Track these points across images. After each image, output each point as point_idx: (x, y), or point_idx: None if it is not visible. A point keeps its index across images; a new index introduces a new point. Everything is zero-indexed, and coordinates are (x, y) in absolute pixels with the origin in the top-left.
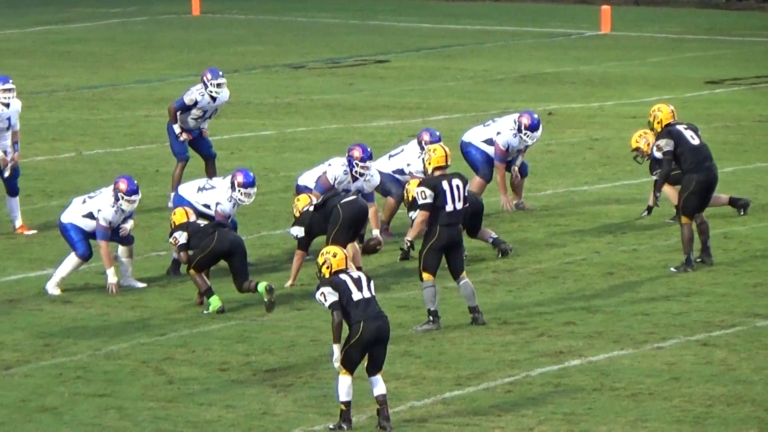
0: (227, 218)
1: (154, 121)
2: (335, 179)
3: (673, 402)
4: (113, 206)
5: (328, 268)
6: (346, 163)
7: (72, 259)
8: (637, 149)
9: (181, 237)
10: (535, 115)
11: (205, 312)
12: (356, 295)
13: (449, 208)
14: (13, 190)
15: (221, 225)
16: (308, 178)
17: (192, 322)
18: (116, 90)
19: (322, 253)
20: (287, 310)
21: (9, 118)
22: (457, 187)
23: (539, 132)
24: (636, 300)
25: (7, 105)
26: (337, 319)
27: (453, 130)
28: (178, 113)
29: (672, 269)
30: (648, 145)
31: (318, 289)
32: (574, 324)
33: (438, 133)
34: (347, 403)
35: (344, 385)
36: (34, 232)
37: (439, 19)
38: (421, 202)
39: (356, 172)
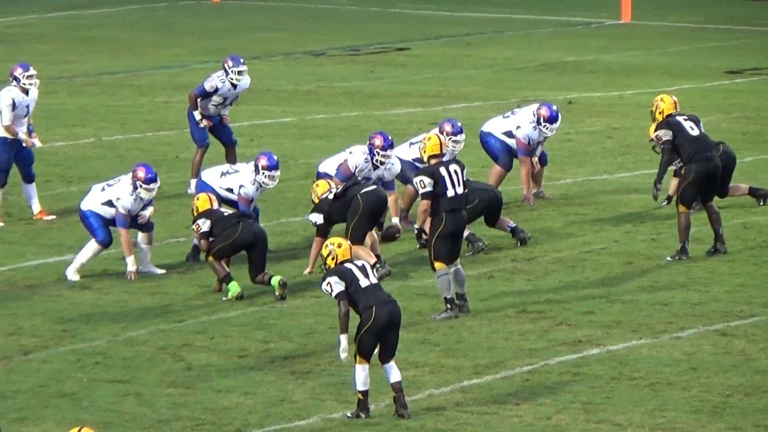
0: (250, 202)
1: (174, 108)
2: (356, 167)
3: (692, 392)
4: (132, 194)
5: (333, 259)
6: (367, 152)
7: (92, 246)
8: (654, 139)
9: (204, 224)
10: (554, 107)
11: (224, 298)
12: (364, 282)
13: (450, 193)
14: (28, 177)
15: (246, 216)
16: (329, 165)
17: (211, 309)
18: (136, 76)
19: (327, 245)
20: (306, 297)
21: (28, 106)
22: (455, 172)
23: (558, 123)
24: (655, 289)
25: (27, 92)
26: (344, 309)
27: (473, 118)
28: (199, 100)
29: (668, 258)
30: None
31: (324, 279)
32: (592, 313)
33: (459, 124)
34: (365, 392)
35: (361, 374)
36: (53, 217)
37: (459, 7)
38: (421, 191)
39: (377, 160)
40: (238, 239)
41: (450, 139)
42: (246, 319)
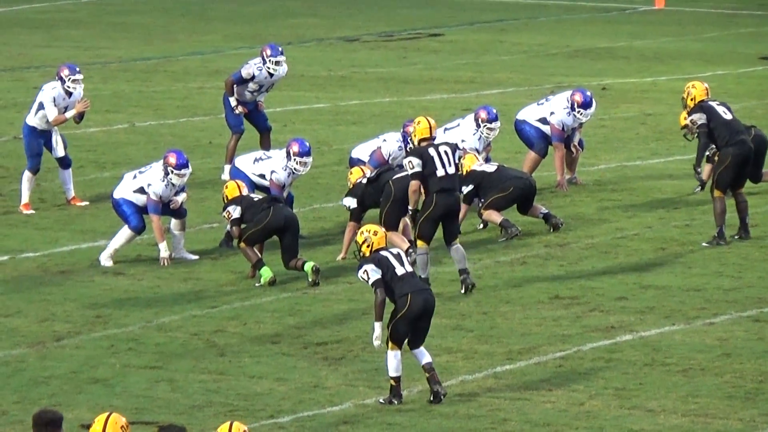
0: (282, 188)
1: (208, 94)
2: (389, 155)
3: (725, 378)
4: (163, 180)
5: (368, 246)
6: (401, 139)
7: (125, 232)
8: (686, 126)
9: (235, 211)
10: (588, 93)
11: (257, 284)
12: (399, 270)
13: (440, 173)
14: (65, 163)
15: (277, 200)
16: (362, 151)
17: (243, 295)
18: (170, 62)
19: (362, 232)
20: (339, 284)
21: (67, 107)
22: (446, 152)
23: (593, 108)
24: (688, 275)
25: (70, 94)
26: (381, 296)
27: (506, 104)
28: (235, 86)
29: (704, 244)
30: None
31: (360, 267)
32: (625, 299)
33: (495, 111)
34: (397, 378)
35: (393, 360)
36: (87, 203)
37: None
38: (410, 172)
39: (411, 147)
40: (269, 223)
41: (485, 126)
42: (279, 305)
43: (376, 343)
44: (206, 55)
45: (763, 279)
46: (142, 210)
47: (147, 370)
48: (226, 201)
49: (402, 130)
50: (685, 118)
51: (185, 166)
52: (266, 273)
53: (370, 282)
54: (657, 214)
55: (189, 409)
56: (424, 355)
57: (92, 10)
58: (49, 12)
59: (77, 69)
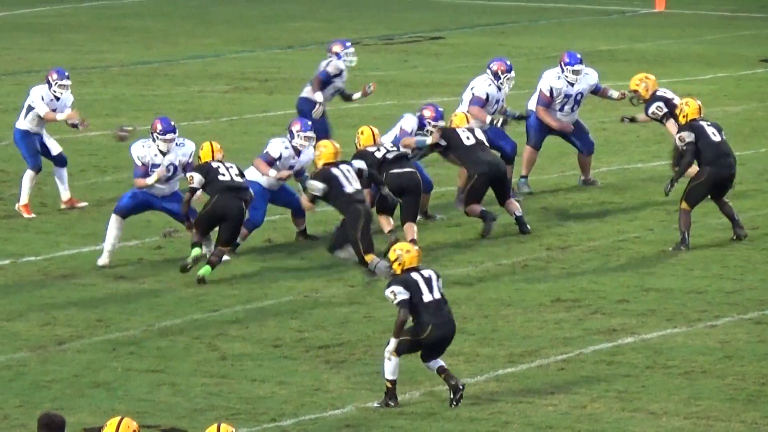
0: (270, 163)
1: (208, 97)
2: (412, 130)
3: (726, 380)
4: (145, 146)
5: (400, 264)
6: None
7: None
8: (635, 92)
9: (195, 179)
10: (577, 54)
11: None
12: (427, 297)
13: (349, 189)
14: (61, 160)
15: (231, 188)
16: (386, 141)
17: (245, 298)
18: (170, 65)
19: (395, 249)
20: (341, 287)
21: (55, 109)
22: (348, 170)
23: (581, 65)
24: (689, 278)
25: (57, 98)
26: (403, 317)
27: (507, 107)
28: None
29: (670, 249)
30: (647, 90)
31: (389, 286)
32: (627, 302)
33: (509, 62)
34: (394, 381)
35: (391, 364)
36: (85, 204)
37: None
38: (316, 195)
39: (428, 131)
40: (211, 210)
41: (505, 77)
42: (281, 309)
43: (388, 355)
44: (207, 59)
45: (764, 281)
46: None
47: (149, 374)
48: (198, 161)
49: (418, 114)
50: (637, 84)
51: (171, 131)
52: (195, 252)
53: (396, 302)
54: (658, 216)
55: (191, 412)
56: (437, 362)
57: (93, 14)
58: (49, 16)
59: (66, 74)
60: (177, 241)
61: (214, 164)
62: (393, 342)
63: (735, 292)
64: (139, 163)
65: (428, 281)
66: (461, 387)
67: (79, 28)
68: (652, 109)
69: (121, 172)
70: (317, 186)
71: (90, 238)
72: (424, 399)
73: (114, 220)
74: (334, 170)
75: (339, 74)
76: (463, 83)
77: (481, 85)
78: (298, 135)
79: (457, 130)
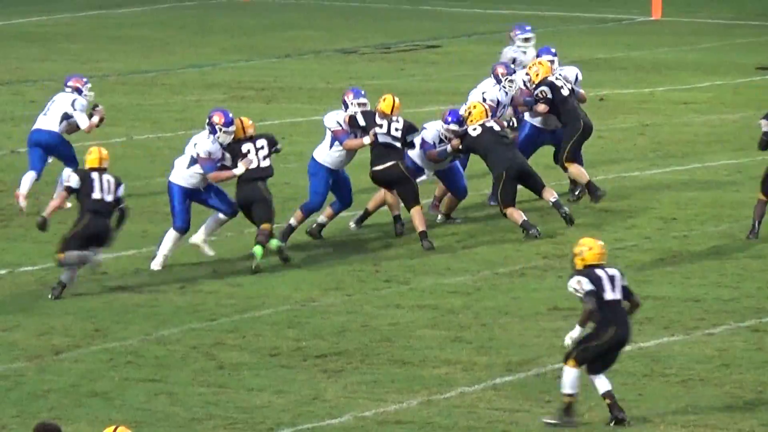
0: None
1: (205, 106)
2: (433, 141)
3: (724, 388)
4: (209, 138)
5: (582, 260)
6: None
7: (171, 234)
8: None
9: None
10: (511, 66)
11: None
12: (608, 295)
13: (96, 195)
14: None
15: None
16: (431, 129)
17: (242, 307)
18: (167, 75)
19: (579, 244)
20: (338, 296)
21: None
22: (108, 181)
23: (516, 75)
24: (686, 286)
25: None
26: (592, 306)
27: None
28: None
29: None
30: (537, 75)
31: (572, 277)
32: None
33: (512, 66)
34: (573, 396)
35: (572, 377)
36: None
37: (490, 4)
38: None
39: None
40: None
41: (506, 79)
42: (278, 318)
43: (568, 341)
44: (204, 68)
45: (761, 289)
46: (192, 197)
47: (146, 383)
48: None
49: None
50: (529, 68)
51: (232, 123)
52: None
53: (583, 292)
54: (655, 225)
55: (188, 422)
56: (604, 383)
57: (90, 23)
58: (46, 25)
59: (85, 78)
60: (174, 251)
61: (244, 148)
62: (578, 330)
63: (732, 300)
64: (205, 157)
65: (611, 279)
66: (625, 423)
67: (77, 37)
68: (537, 91)
69: None
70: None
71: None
72: (421, 408)
73: (175, 237)
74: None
75: (513, 63)
76: (460, 91)
77: (491, 90)
78: (352, 104)
79: (471, 131)
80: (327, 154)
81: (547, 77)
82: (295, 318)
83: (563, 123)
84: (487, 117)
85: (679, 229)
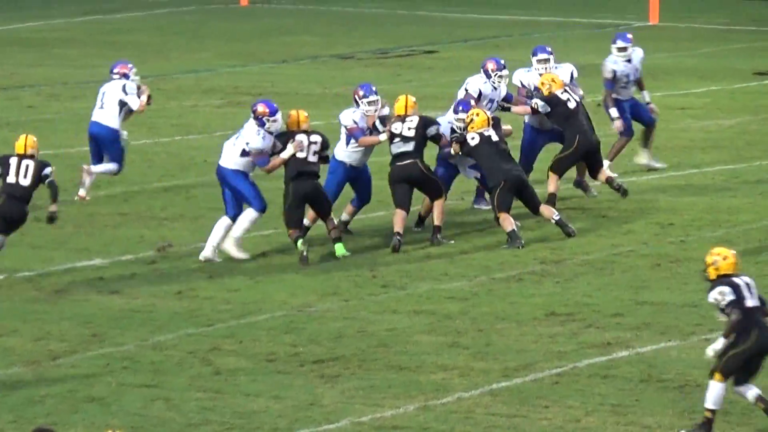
0: (266, 156)
1: (202, 112)
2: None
3: None
4: (259, 133)
5: (716, 269)
6: (484, 76)
7: (250, 215)
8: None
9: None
10: (501, 60)
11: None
12: (749, 302)
13: (11, 179)
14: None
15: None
16: (444, 122)
17: (239, 313)
18: (164, 80)
19: (711, 254)
20: (335, 301)
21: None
22: (27, 166)
23: (506, 71)
24: (684, 291)
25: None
26: (737, 317)
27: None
28: (611, 94)
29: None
30: (549, 90)
31: (713, 288)
32: (621, 315)
33: (502, 61)
34: (713, 411)
35: (717, 392)
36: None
37: (487, 9)
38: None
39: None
40: (292, 199)
41: (496, 74)
42: (274, 323)
43: (710, 353)
44: (200, 74)
45: None
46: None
47: (143, 389)
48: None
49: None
50: (542, 84)
51: (276, 111)
52: (300, 245)
53: (726, 302)
54: (652, 230)
55: (185, 427)
56: (752, 389)
57: (86, 28)
58: (43, 31)
59: (130, 64)
60: (170, 256)
61: (299, 137)
62: (721, 342)
63: None
64: (257, 152)
65: (748, 287)
66: None
67: (73, 42)
68: (532, 101)
69: (114, 187)
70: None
71: (84, 254)
72: (417, 413)
73: (256, 218)
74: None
75: (614, 74)
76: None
77: (475, 82)
78: (362, 102)
79: (469, 139)
80: (344, 152)
81: (553, 91)
82: (291, 323)
83: (565, 136)
84: (487, 126)
85: (675, 234)
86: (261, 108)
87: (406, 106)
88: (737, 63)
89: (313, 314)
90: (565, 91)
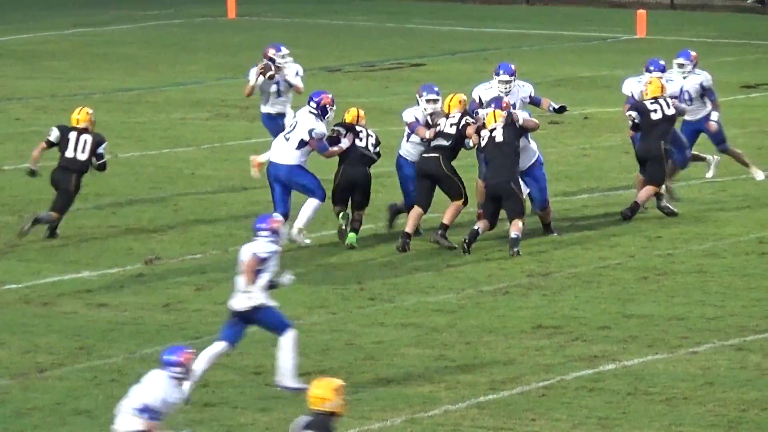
0: (326, 142)
1: (190, 124)
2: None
3: (708, 407)
4: (323, 121)
5: None
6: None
7: (313, 203)
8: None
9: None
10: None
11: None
12: None
13: (69, 154)
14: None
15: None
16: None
17: None
18: (152, 93)
19: None
20: (322, 314)
21: (278, 83)
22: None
23: (505, 73)
24: (671, 304)
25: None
26: None
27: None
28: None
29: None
30: (646, 94)
31: None
32: (608, 328)
33: (510, 66)
34: None
35: None
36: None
37: (475, 22)
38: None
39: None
40: (340, 181)
41: (497, 80)
42: (262, 336)
43: None
44: (189, 86)
45: (745, 308)
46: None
47: None
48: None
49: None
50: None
51: (334, 100)
52: (342, 218)
53: None
54: (639, 243)
55: None
56: None
57: (75, 41)
58: (31, 43)
59: (280, 46)
60: (159, 269)
61: (359, 128)
62: None
63: (716, 318)
64: (320, 138)
65: None
66: None
67: (62, 55)
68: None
69: (102, 199)
70: None
71: (72, 266)
72: (405, 426)
73: (318, 206)
74: None
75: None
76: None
77: (477, 89)
78: (422, 100)
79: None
80: (404, 147)
81: (638, 101)
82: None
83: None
84: (496, 123)
85: (663, 247)
86: (324, 99)
87: (449, 105)
88: (725, 76)
89: (300, 327)
90: (656, 101)
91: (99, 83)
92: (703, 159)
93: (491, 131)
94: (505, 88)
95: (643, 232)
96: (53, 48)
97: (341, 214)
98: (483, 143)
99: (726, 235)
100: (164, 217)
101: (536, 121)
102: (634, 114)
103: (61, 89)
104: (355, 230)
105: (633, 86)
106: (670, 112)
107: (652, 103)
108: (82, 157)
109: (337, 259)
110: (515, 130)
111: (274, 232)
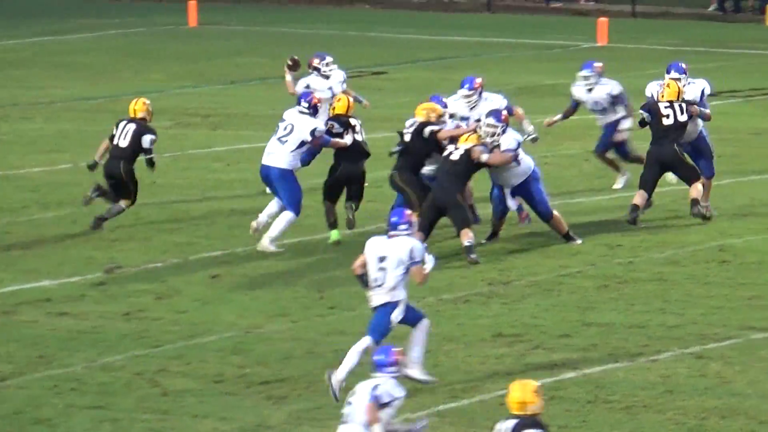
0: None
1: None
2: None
3: (667, 415)
4: (317, 118)
5: None
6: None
7: (287, 216)
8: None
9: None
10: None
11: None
12: None
13: (115, 141)
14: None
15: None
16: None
17: (187, 334)
18: (114, 101)
19: None
20: (283, 323)
21: (331, 88)
22: (129, 129)
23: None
24: (631, 312)
25: (327, 77)
26: None
27: None
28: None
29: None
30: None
31: None
32: (569, 336)
33: (475, 81)
34: None
35: None
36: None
37: (436, 30)
38: None
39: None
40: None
41: (461, 93)
42: (222, 345)
43: None
44: (151, 95)
45: (705, 316)
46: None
47: (90, 410)
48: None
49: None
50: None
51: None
52: (334, 235)
53: None
54: (600, 251)
55: None
56: None
57: (36, 50)
58: None
59: (326, 55)
60: (119, 277)
61: (352, 121)
62: None
63: (676, 326)
64: (320, 135)
65: None
66: None
67: (23, 63)
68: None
69: (64, 208)
70: None
71: (32, 275)
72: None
73: (293, 220)
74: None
75: None
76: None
77: (451, 102)
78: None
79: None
80: None
81: (654, 100)
82: (239, 345)
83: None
84: (467, 142)
85: (623, 255)
86: (314, 98)
87: (415, 112)
88: None
89: (261, 335)
90: (670, 105)
91: (60, 92)
92: (618, 168)
93: (456, 149)
94: (468, 102)
95: (604, 240)
96: (14, 57)
97: (345, 205)
98: (444, 154)
99: (687, 243)
100: (125, 225)
101: (507, 156)
102: (646, 115)
103: (22, 98)
104: (336, 225)
105: (654, 90)
106: (683, 118)
107: (666, 107)
108: (123, 143)
109: (298, 267)
110: (471, 163)
111: (411, 224)
